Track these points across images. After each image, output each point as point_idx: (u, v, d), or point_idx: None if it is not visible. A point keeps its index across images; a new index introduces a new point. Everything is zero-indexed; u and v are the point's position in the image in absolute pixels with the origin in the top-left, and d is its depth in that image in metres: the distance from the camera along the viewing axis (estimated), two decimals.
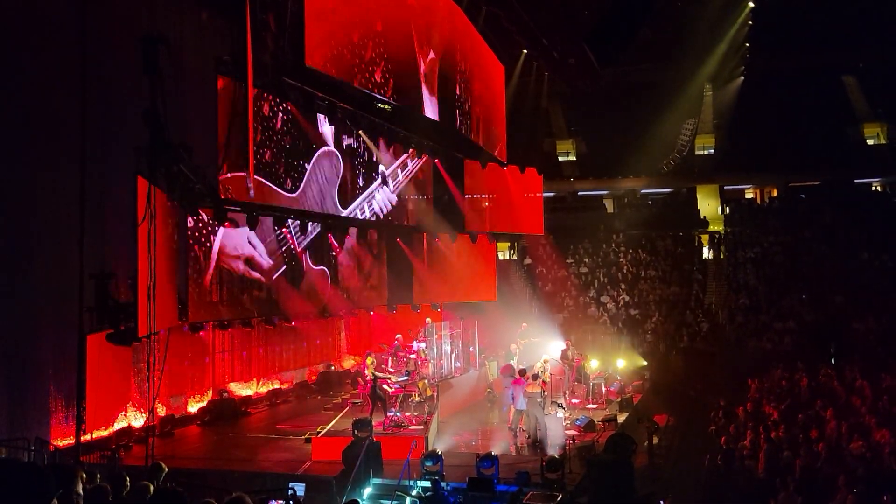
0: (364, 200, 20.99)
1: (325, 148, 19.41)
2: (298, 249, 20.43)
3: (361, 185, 21.03)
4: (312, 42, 15.45)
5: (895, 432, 13.19)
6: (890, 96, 34.88)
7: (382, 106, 19.27)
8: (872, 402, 15.98)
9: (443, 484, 11.98)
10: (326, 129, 19.42)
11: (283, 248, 19.84)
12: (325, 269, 21.38)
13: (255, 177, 16.21)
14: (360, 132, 20.32)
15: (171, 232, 14.90)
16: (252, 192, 16.13)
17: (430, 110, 20.50)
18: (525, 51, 30.06)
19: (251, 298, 19.05)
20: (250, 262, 18.74)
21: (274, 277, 19.46)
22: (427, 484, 12.12)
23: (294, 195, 18.09)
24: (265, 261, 19.07)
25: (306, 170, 18.55)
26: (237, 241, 18.29)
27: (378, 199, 21.49)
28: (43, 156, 14.05)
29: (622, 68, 34.57)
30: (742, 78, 37.62)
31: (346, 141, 20.23)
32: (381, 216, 21.78)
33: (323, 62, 16.03)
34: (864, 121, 37.90)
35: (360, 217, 20.81)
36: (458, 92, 22.16)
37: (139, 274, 12.07)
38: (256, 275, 18.89)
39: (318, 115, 18.74)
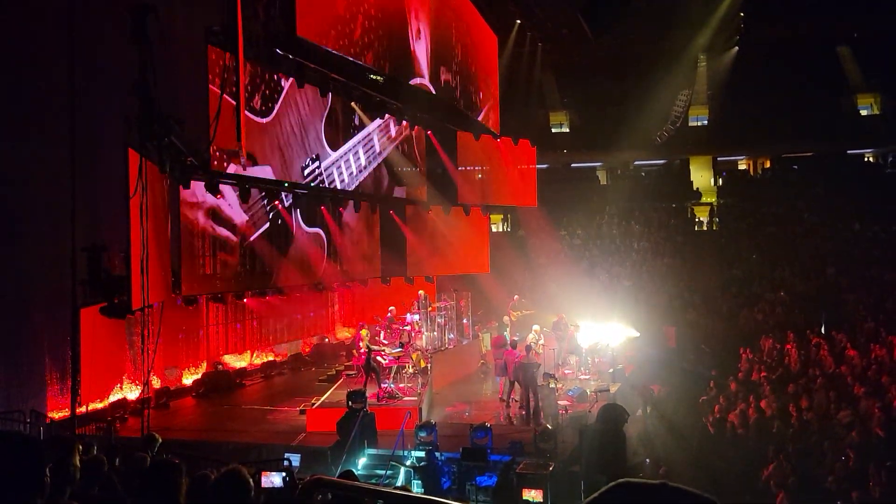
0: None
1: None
2: (292, 221, 20.40)
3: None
4: (304, 12, 15.29)
5: (883, 402, 13.34)
6: (884, 67, 34.75)
7: (375, 77, 19.12)
8: (862, 372, 16.13)
9: (437, 454, 12.09)
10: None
11: (272, 215, 19.76)
12: (319, 242, 21.36)
13: None
14: (354, 104, 20.20)
15: (163, 205, 14.85)
16: (245, 164, 16.05)
17: (423, 81, 20.37)
18: (518, 21, 29.84)
19: (244, 270, 19.04)
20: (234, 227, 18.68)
21: (268, 250, 19.44)
22: (421, 454, 12.24)
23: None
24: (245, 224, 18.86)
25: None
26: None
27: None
28: (32, 128, 13.94)
29: (616, 39, 34.36)
30: (736, 48, 37.40)
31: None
32: (379, 164, 21.54)
33: (314, 33, 15.88)
34: (857, 91, 37.78)
35: (355, 163, 20.55)
36: (450, 63, 22.01)
37: (132, 247, 12.04)
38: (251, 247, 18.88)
39: None
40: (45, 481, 2.40)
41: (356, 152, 20.76)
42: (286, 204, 20.12)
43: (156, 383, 16.99)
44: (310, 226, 21.08)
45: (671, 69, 36.57)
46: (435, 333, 19.49)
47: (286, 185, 18.80)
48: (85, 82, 13.80)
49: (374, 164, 21.61)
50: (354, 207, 21.93)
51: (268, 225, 19.52)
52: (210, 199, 17.46)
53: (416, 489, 11.45)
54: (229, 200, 18.16)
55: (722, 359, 20.11)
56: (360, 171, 20.95)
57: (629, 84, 36.11)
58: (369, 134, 21.07)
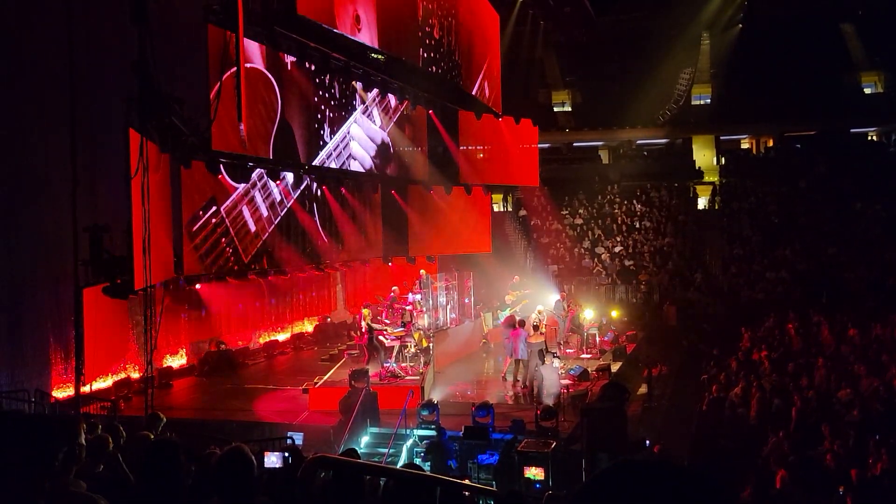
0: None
1: None
2: (293, 201, 20.37)
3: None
4: None
5: (883, 380, 13.40)
6: (888, 44, 34.48)
7: (376, 56, 19.00)
8: (862, 350, 16.19)
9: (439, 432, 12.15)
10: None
11: (278, 199, 19.76)
12: (321, 221, 21.35)
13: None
14: (355, 83, 20.10)
15: (164, 185, 14.81)
16: (245, 143, 16.00)
17: (425, 60, 20.25)
18: None
19: (247, 251, 19.05)
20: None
21: (270, 229, 19.46)
22: (423, 432, 12.30)
23: None
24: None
25: None
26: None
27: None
28: (32, 109, 13.90)
29: (618, 17, 34.14)
30: (740, 26, 37.14)
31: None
32: (367, 161, 21.54)
33: (315, 11, 15.77)
34: (861, 69, 37.55)
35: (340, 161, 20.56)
36: (452, 41, 21.86)
37: (133, 227, 12.02)
38: (252, 227, 18.90)
39: None
40: (56, 463, 2.42)
41: (363, 133, 20.72)
42: (287, 184, 20.08)
43: (159, 363, 17.04)
44: (311, 205, 21.05)
45: (674, 47, 36.37)
46: (437, 313, 19.52)
47: (287, 164, 18.75)
48: (85, 62, 13.71)
49: (378, 145, 21.55)
50: (356, 187, 21.88)
51: (269, 205, 19.50)
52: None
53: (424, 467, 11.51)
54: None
55: (723, 337, 20.18)
56: (363, 151, 20.90)
57: (632, 62, 35.93)
58: (371, 114, 20.98)
